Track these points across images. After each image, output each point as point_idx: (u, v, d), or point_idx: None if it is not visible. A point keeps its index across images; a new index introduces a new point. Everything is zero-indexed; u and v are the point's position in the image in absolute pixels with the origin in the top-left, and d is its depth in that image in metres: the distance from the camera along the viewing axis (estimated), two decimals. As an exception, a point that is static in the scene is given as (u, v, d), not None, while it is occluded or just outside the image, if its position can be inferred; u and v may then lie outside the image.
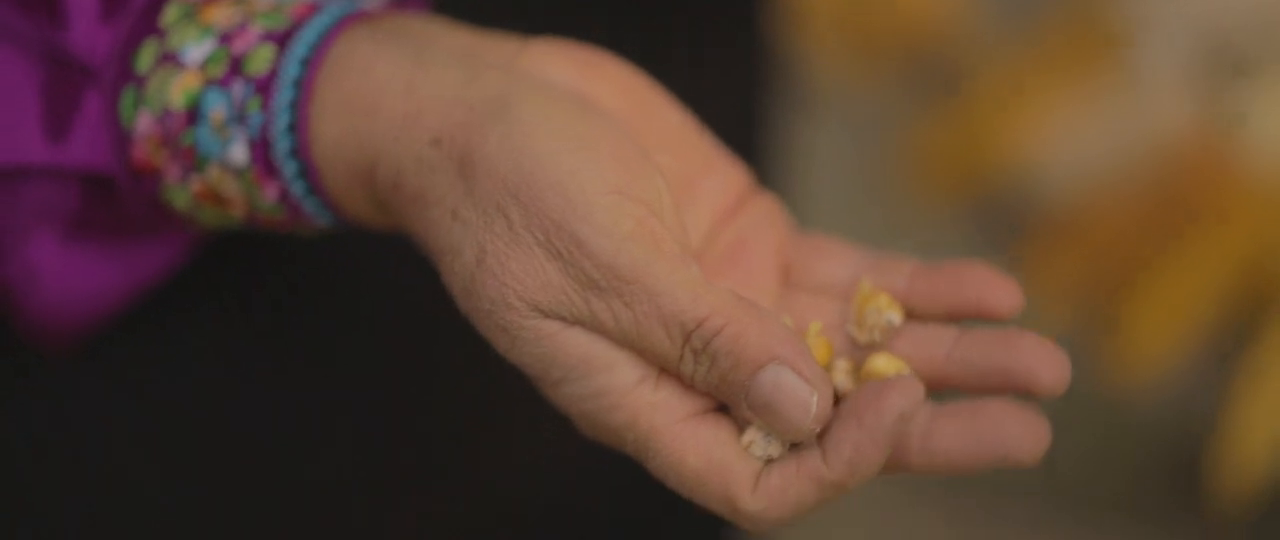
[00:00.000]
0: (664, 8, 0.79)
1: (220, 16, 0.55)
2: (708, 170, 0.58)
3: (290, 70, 0.54)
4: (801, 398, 0.49)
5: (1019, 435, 0.51)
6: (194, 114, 0.54)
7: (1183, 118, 1.40)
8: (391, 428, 0.76)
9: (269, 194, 0.55)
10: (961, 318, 0.55)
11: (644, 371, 0.51)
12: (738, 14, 0.86)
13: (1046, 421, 0.52)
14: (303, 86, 0.54)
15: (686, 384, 0.51)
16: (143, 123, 0.55)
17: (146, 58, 0.55)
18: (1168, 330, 1.36)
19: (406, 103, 0.53)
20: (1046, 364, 0.52)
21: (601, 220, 0.50)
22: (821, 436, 0.50)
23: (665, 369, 0.51)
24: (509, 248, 0.50)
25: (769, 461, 0.51)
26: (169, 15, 0.56)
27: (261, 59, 0.54)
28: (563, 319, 0.51)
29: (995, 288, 0.55)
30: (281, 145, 0.54)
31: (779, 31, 0.92)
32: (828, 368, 0.54)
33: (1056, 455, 1.53)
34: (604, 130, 0.52)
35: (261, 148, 0.54)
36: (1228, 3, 1.39)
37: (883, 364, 0.54)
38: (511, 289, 0.51)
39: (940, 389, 0.54)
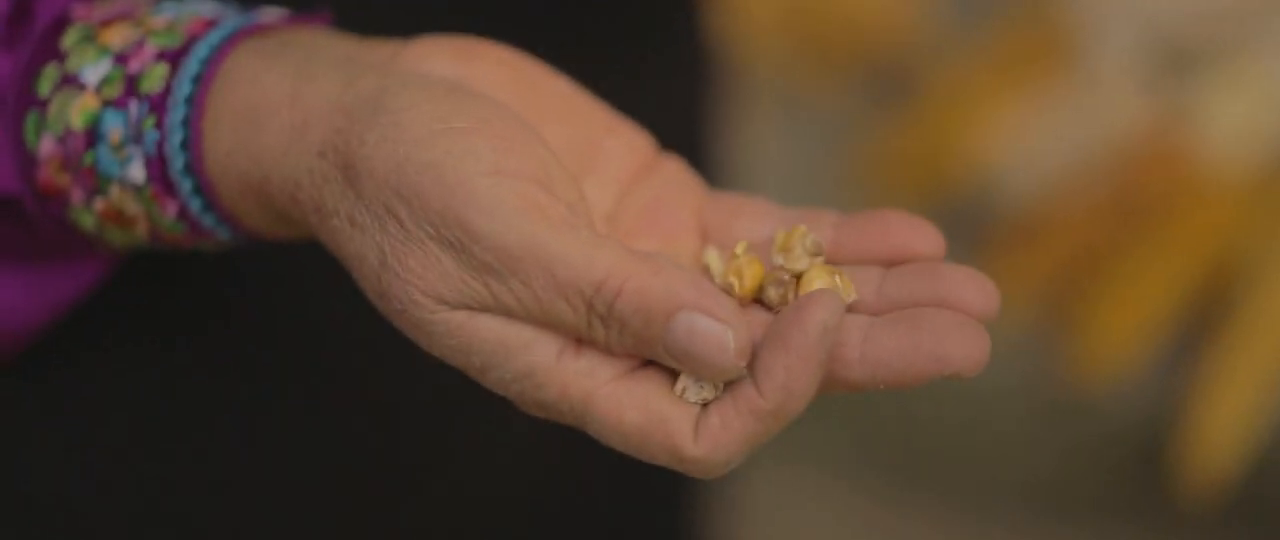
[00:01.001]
0: (606, 16, 0.79)
1: (117, 37, 0.56)
2: (608, 133, 0.57)
3: (183, 88, 0.54)
4: (717, 338, 0.48)
5: (958, 341, 0.50)
6: (93, 135, 0.55)
7: (1137, 116, 1.41)
8: (348, 432, 0.76)
9: (169, 211, 0.55)
10: (887, 263, 0.54)
11: (563, 343, 0.50)
12: (683, 21, 0.86)
13: (983, 328, 0.51)
14: (195, 103, 0.54)
15: (604, 350, 0.50)
16: (46, 145, 0.55)
17: (47, 82, 0.55)
18: (1130, 327, 1.37)
19: (292, 114, 0.53)
20: (974, 290, 0.52)
21: (484, 202, 0.49)
22: (752, 367, 0.49)
23: (580, 339, 0.50)
24: (405, 246, 0.50)
25: (705, 404, 0.50)
26: (69, 38, 0.56)
27: (155, 77, 0.54)
28: (470, 307, 0.50)
29: (918, 232, 0.55)
30: (176, 162, 0.54)
31: (726, 39, 0.92)
32: (762, 284, 0.53)
33: (1022, 452, 1.53)
34: (478, 110, 0.51)
35: (158, 165, 0.54)
36: (1177, 1, 1.40)
37: (818, 272, 0.53)
38: (415, 286, 0.50)
39: None
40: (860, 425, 1.53)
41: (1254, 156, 1.38)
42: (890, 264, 0.54)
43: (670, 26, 0.85)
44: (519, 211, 0.49)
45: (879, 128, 1.55)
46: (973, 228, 1.48)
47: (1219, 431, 1.32)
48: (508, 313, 0.50)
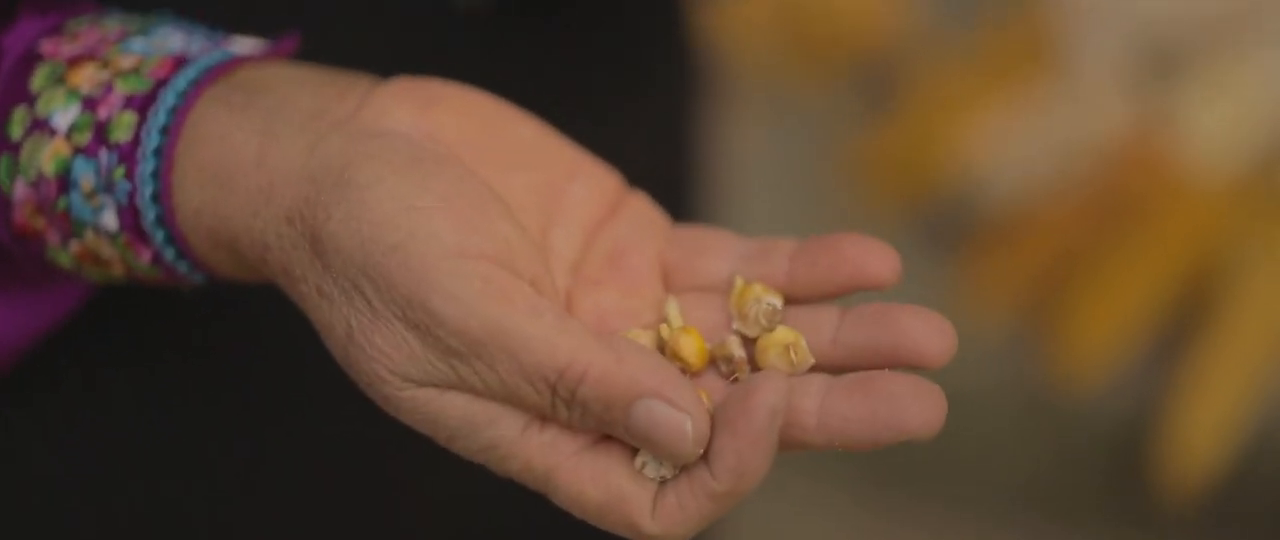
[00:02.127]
0: (595, 19, 0.80)
1: (85, 79, 0.55)
2: (573, 176, 0.58)
3: (151, 139, 0.54)
4: (676, 426, 0.49)
5: (914, 408, 0.50)
6: (65, 182, 0.55)
7: (1120, 120, 1.41)
8: (331, 443, 0.76)
9: (143, 258, 0.55)
10: (845, 293, 0.55)
11: (528, 418, 0.51)
12: (671, 24, 0.86)
13: (939, 390, 0.50)
14: (163, 155, 0.54)
15: (567, 428, 0.51)
16: (20, 189, 0.55)
17: (18, 125, 0.55)
18: (1111, 329, 1.37)
19: (258, 176, 0.53)
20: (930, 336, 0.52)
21: (447, 287, 0.49)
22: (706, 449, 0.50)
23: (544, 418, 0.51)
24: (372, 323, 0.50)
25: (663, 481, 0.51)
26: (38, 78, 0.56)
27: (124, 127, 0.54)
28: (436, 385, 0.51)
29: (873, 256, 0.54)
30: (148, 214, 0.54)
31: (714, 40, 0.92)
32: (705, 358, 0.54)
33: (1003, 454, 1.54)
34: (442, 185, 0.51)
35: (130, 215, 0.54)
36: (1159, 5, 1.41)
37: (773, 340, 0.53)
38: (381, 363, 0.51)
39: (831, 372, 0.53)
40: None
41: (1234, 161, 1.39)
42: (848, 289, 0.55)
43: (659, 29, 0.85)
44: (483, 296, 0.49)
45: (864, 129, 1.55)
46: (956, 229, 1.48)
47: (1199, 433, 1.33)
48: (473, 392, 0.50)
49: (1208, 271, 1.37)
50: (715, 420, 0.51)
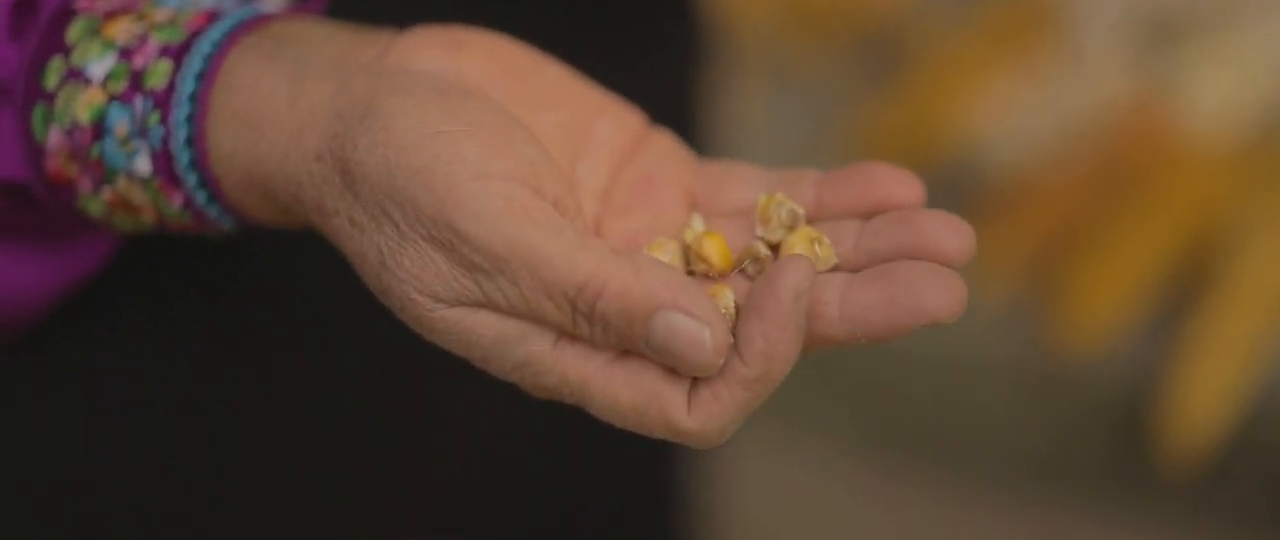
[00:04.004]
0: None
1: (121, 31, 0.57)
2: (599, 115, 0.59)
3: (186, 85, 0.55)
4: (695, 337, 0.50)
5: (934, 291, 0.51)
6: (99, 129, 0.56)
7: (1122, 89, 1.41)
8: (341, 409, 0.77)
9: (175, 202, 0.57)
10: (870, 215, 0.56)
11: (556, 334, 0.52)
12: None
13: (957, 275, 0.52)
14: (198, 100, 0.55)
15: (590, 344, 0.52)
16: (54, 137, 0.56)
17: (53, 74, 0.56)
18: (1113, 297, 1.38)
19: (290, 120, 0.54)
20: (949, 233, 0.53)
21: (471, 205, 0.50)
22: (735, 337, 0.51)
23: (566, 334, 0.52)
24: (401, 246, 0.52)
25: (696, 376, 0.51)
26: (74, 31, 0.57)
27: (159, 74, 0.55)
28: (465, 304, 0.52)
29: (897, 183, 0.56)
30: (181, 158, 0.55)
31: (716, 10, 0.92)
32: (729, 260, 0.55)
33: (1006, 420, 1.54)
34: (467, 113, 0.52)
35: (163, 160, 0.56)
36: (1164, -26, 1.41)
37: (797, 240, 0.55)
38: (412, 285, 0.52)
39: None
40: (847, 392, 1.54)
41: (1236, 128, 1.39)
42: (872, 216, 0.56)
43: (667, 4, 0.86)
44: (505, 214, 0.50)
45: (867, 99, 1.55)
46: (959, 199, 1.49)
47: (1201, 400, 1.33)
48: (500, 309, 0.52)
49: (1209, 239, 1.37)
50: (742, 308, 0.52)
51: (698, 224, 0.57)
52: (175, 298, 0.71)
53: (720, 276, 0.55)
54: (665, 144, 0.60)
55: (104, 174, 0.56)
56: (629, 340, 0.51)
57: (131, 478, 0.73)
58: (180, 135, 0.55)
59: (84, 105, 0.56)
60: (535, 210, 0.51)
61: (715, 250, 0.55)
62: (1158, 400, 1.37)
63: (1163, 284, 1.39)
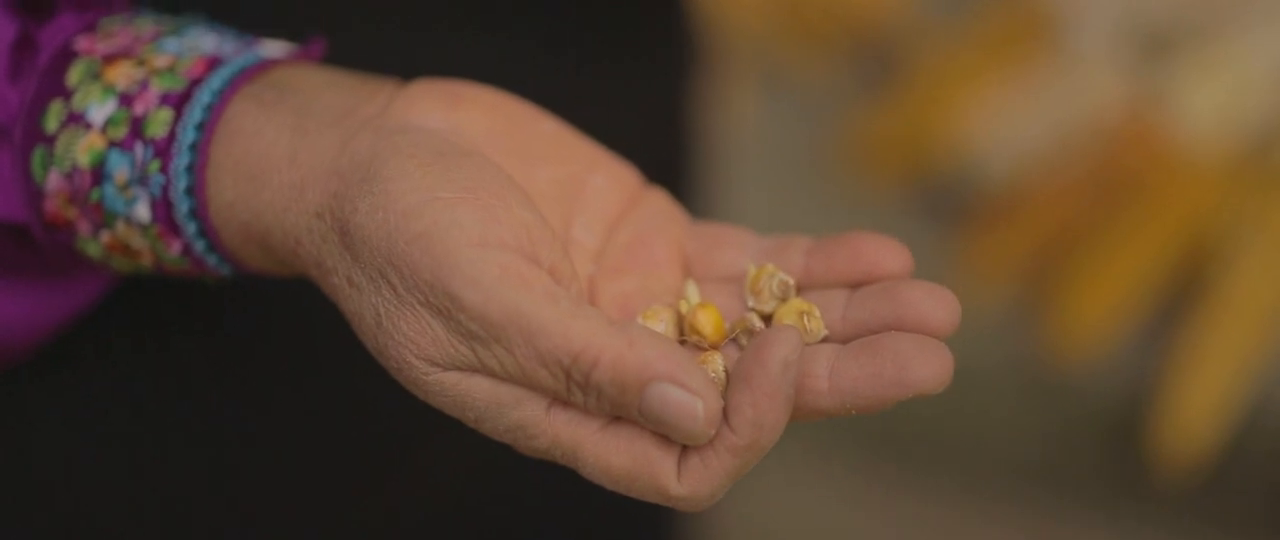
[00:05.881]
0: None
1: (121, 76, 0.57)
2: (593, 170, 0.59)
3: (187, 135, 0.55)
4: (688, 408, 0.50)
5: (919, 363, 0.51)
6: (99, 174, 0.56)
7: (1116, 98, 1.42)
8: (336, 433, 0.77)
9: (173, 249, 0.57)
10: (858, 285, 0.56)
11: (551, 398, 0.52)
12: (668, 1, 0.87)
13: (944, 346, 0.52)
14: (198, 150, 0.55)
15: (583, 410, 0.52)
16: (53, 180, 0.57)
17: (54, 118, 0.57)
18: (1107, 304, 1.38)
19: (291, 173, 0.54)
20: (935, 307, 0.53)
21: (468, 273, 0.50)
22: (725, 406, 0.51)
23: (559, 400, 0.52)
24: (398, 310, 0.52)
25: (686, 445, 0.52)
26: (74, 74, 0.57)
27: (160, 122, 0.56)
28: (460, 369, 0.52)
29: (886, 252, 0.56)
30: (181, 207, 0.56)
31: (711, 17, 0.92)
32: (722, 332, 0.56)
33: (1000, 428, 1.54)
34: (465, 178, 0.53)
35: (163, 208, 0.56)
36: (1157, -16, 1.41)
37: (788, 308, 0.55)
38: (408, 348, 0.52)
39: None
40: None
41: (1229, 138, 1.39)
42: (860, 284, 0.56)
43: (657, 4, 0.86)
44: (501, 282, 0.50)
45: (862, 107, 1.56)
46: (953, 206, 1.49)
47: (1195, 408, 1.33)
48: (495, 375, 0.52)
49: (1203, 247, 1.38)
50: (731, 377, 0.52)
51: (693, 294, 0.57)
52: (173, 326, 0.71)
53: (713, 348, 0.56)
54: (659, 202, 0.60)
55: (103, 218, 0.57)
56: (622, 409, 0.51)
57: (126, 504, 0.73)
58: (180, 185, 0.55)
59: (84, 150, 0.56)
60: (531, 278, 0.51)
61: (709, 323, 0.55)
62: (1152, 408, 1.37)
63: (1157, 292, 1.39)
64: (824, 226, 1.49)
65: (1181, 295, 1.38)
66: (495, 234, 0.51)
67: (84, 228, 0.57)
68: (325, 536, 0.79)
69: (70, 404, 0.71)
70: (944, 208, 1.50)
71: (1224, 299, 1.34)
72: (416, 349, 0.52)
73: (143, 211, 0.56)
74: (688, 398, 0.50)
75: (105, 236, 0.57)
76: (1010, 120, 1.45)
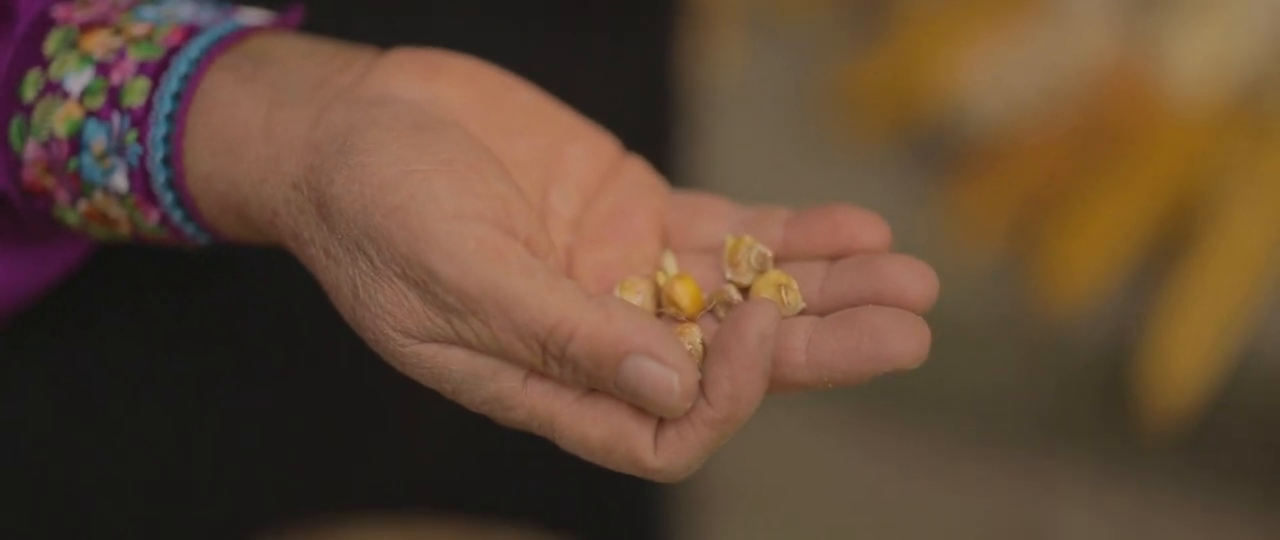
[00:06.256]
0: None
1: (98, 44, 0.56)
2: (572, 139, 0.59)
3: (164, 105, 0.55)
4: (664, 382, 0.50)
5: (896, 337, 0.52)
6: (76, 144, 0.56)
7: (1106, 47, 1.41)
8: (331, 382, 0.77)
9: (151, 218, 0.57)
10: (836, 258, 0.56)
11: (528, 370, 0.52)
12: None
13: (922, 321, 0.52)
14: (175, 120, 0.55)
15: (559, 382, 0.52)
16: (31, 149, 0.56)
17: (31, 87, 0.56)
18: (1096, 254, 1.38)
19: (266, 146, 0.54)
20: (913, 281, 0.53)
21: (444, 246, 0.50)
22: (702, 379, 0.51)
23: (537, 373, 0.52)
24: (375, 282, 0.52)
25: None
26: (51, 43, 0.57)
27: (137, 92, 0.55)
28: (437, 341, 0.52)
29: (865, 225, 0.56)
30: (158, 177, 0.56)
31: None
32: (700, 305, 0.56)
33: (988, 377, 1.54)
34: (441, 149, 0.53)
35: (140, 178, 0.56)
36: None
37: (764, 285, 0.55)
38: (385, 321, 0.52)
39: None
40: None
41: (1220, 87, 1.39)
42: (839, 257, 0.56)
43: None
44: (477, 255, 0.50)
45: (851, 54, 1.55)
46: (942, 155, 1.49)
47: (1183, 357, 1.34)
48: (471, 347, 0.52)
49: (1192, 197, 1.38)
50: (709, 350, 0.52)
51: (671, 265, 0.57)
52: (149, 289, 0.71)
53: (690, 320, 0.55)
54: (638, 172, 0.60)
55: (81, 187, 0.56)
56: (598, 381, 0.51)
57: (104, 467, 0.73)
58: (157, 155, 0.55)
59: (61, 119, 0.56)
60: (507, 251, 0.51)
61: (686, 295, 0.55)
62: (1141, 357, 1.37)
63: (1146, 241, 1.39)
64: (811, 174, 1.48)
65: (1170, 244, 1.38)
66: (471, 207, 0.51)
67: (62, 197, 0.57)
68: (305, 500, 0.79)
69: (47, 370, 0.71)
70: (932, 156, 1.49)
71: (1213, 248, 1.34)
72: (393, 321, 0.52)
73: (120, 181, 0.56)
74: (664, 371, 0.50)
75: (83, 205, 0.57)
76: (999, 68, 1.44)
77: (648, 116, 0.85)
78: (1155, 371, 1.35)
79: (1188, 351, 1.34)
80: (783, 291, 0.55)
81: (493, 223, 0.51)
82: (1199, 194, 1.37)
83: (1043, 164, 1.42)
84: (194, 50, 0.56)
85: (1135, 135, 1.38)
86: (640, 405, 0.51)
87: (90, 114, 0.56)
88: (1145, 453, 1.42)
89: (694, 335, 0.54)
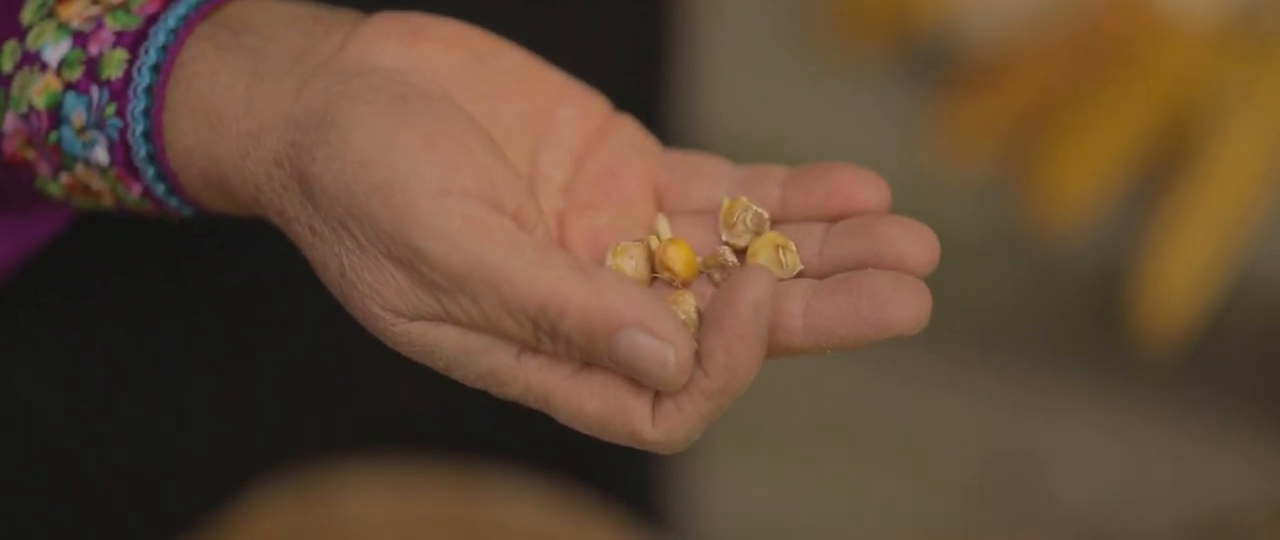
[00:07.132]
0: None
1: (75, 14, 0.55)
2: (561, 101, 0.58)
3: (142, 78, 0.54)
4: (658, 355, 0.49)
5: (896, 302, 0.51)
6: (56, 116, 0.55)
7: (1103, -37, 1.40)
8: (303, 358, 0.77)
9: (133, 191, 0.56)
10: (835, 219, 0.56)
11: (521, 345, 0.52)
12: None
13: (923, 285, 0.52)
14: (155, 94, 0.54)
15: (553, 357, 0.52)
16: (10, 121, 0.56)
17: (8, 59, 0.56)
18: (1090, 172, 1.37)
19: (247, 121, 0.53)
20: (913, 244, 0.53)
21: (429, 224, 0.50)
22: (698, 349, 0.51)
23: (530, 347, 0.52)
24: (362, 261, 0.51)
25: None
26: (27, 12, 0.56)
27: (115, 64, 0.54)
28: (427, 319, 0.51)
29: (864, 186, 0.55)
30: (139, 150, 0.55)
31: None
32: (695, 269, 0.55)
33: (981, 296, 1.54)
34: (425, 122, 0.52)
35: (121, 151, 0.55)
36: None
37: (762, 246, 0.54)
38: (373, 300, 0.52)
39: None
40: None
41: (1216, 5, 1.38)
42: (838, 217, 0.55)
43: None
44: (464, 233, 0.50)
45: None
46: (936, 70, 1.48)
47: (1178, 277, 1.33)
48: (461, 324, 0.51)
49: (1188, 115, 1.37)
50: (703, 320, 0.52)
51: (664, 229, 0.56)
52: (133, 259, 0.71)
53: (684, 285, 0.54)
54: (629, 132, 0.59)
55: (62, 160, 0.56)
56: (592, 356, 0.51)
57: (88, 439, 0.73)
58: (138, 128, 0.54)
59: (40, 91, 0.55)
60: (495, 227, 0.50)
61: (680, 259, 0.54)
62: (1135, 276, 1.37)
63: (1142, 159, 1.38)
64: (804, 90, 1.47)
65: (1166, 163, 1.38)
66: (457, 182, 0.50)
67: (44, 169, 0.56)
68: (299, 448, 0.79)
69: (33, 332, 0.70)
70: (926, 71, 1.48)
71: (1209, 167, 1.34)
72: (381, 300, 0.51)
73: (101, 154, 0.55)
74: (658, 344, 0.49)
75: (65, 177, 0.56)
76: (994, -16, 1.43)
77: (641, 61, 0.84)
78: (1152, 289, 1.34)
79: (1183, 270, 1.33)
80: (780, 253, 0.54)
81: (479, 198, 0.51)
82: (1195, 112, 1.37)
83: (1038, 80, 1.41)
84: (171, 19, 0.55)
85: (1132, 52, 1.37)
86: (636, 378, 0.51)
87: (69, 86, 0.55)
88: (1142, 370, 1.42)
89: (689, 303, 0.53)
